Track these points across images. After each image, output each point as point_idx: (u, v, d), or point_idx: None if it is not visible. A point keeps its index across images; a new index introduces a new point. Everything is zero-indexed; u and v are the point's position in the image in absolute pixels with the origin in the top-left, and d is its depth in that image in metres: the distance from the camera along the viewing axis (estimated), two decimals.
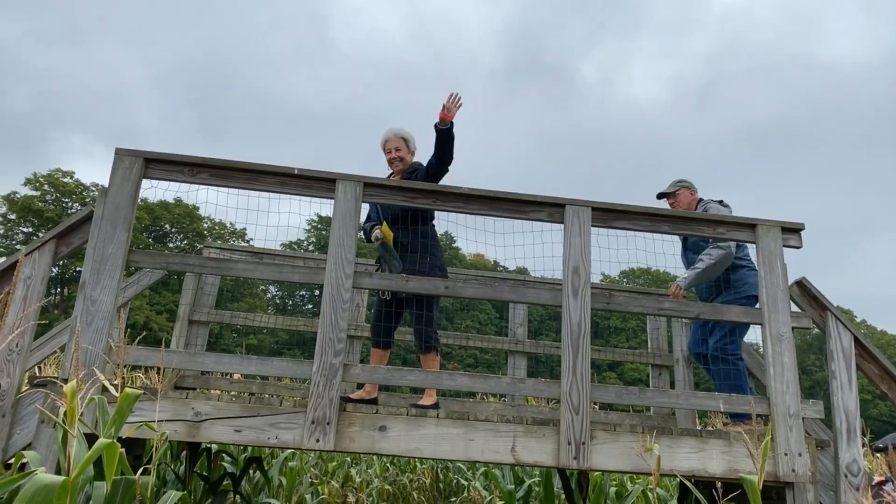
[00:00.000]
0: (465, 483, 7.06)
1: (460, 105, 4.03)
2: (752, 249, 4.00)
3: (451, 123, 4.04)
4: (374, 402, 4.00)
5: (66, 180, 42.39)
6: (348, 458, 7.37)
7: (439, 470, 7.30)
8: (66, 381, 3.09)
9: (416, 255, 4.11)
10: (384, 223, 4.19)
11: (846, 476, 3.53)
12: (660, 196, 4.86)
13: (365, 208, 4.47)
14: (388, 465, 7.48)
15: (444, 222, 4.63)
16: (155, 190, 4.30)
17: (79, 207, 42.04)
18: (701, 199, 4.79)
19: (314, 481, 6.81)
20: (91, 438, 2.50)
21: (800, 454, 3.43)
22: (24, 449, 3.10)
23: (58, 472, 2.84)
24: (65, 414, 2.33)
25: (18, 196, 40.79)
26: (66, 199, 42.52)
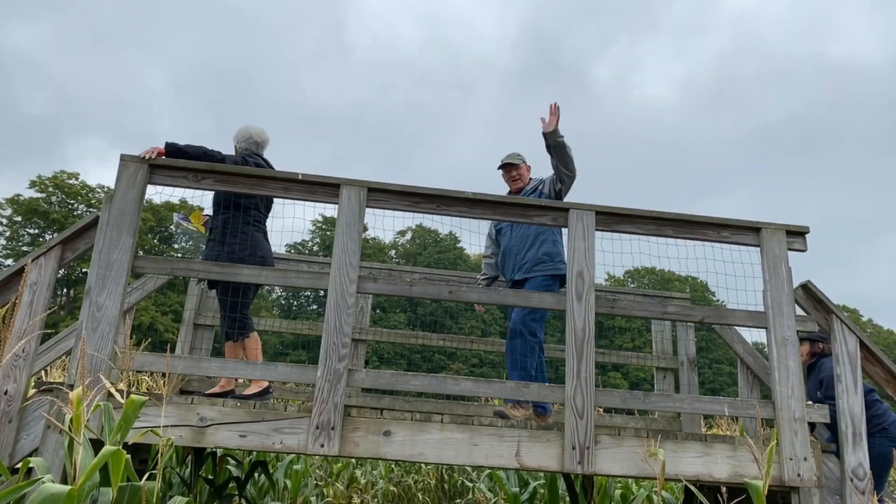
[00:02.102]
0: (470, 485, 7.07)
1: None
2: (753, 252, 3.97)
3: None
4: (226, 395, 3.96)
5: (71, 182, 42.53)
6: (353, 460, 7.39)
7: (444, 471, 7.30)
8: (71, 387, 3.11)
9: (212, 243, 4.15)
10: (195, 210, 4.26)
11: (851, 480, 3.52)
12: (502, 166, 4.69)
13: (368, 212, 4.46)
14: (393, 466, 7.49)
15: (449, 225, 4.62)
16: (160, 194, 4.33)
17: (84, 209, 42.19)
18: (532, 178, 4.71)
19: (319, 483, 6.83)
20: (97, 444, 2.52)
21: (805, 458, 3.42)
22: (30, 454, 3.12)
23: (64, 478, 2.86)
24: (71, 421, 2.35)
25: (24, 198, 40.96)
26: (72, 201, 42.66)
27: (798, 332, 3.69)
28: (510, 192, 4.70)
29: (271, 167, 4.31)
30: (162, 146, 3.76)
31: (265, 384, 4.00)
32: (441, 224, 4.45)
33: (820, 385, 4.48)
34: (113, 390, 2.54)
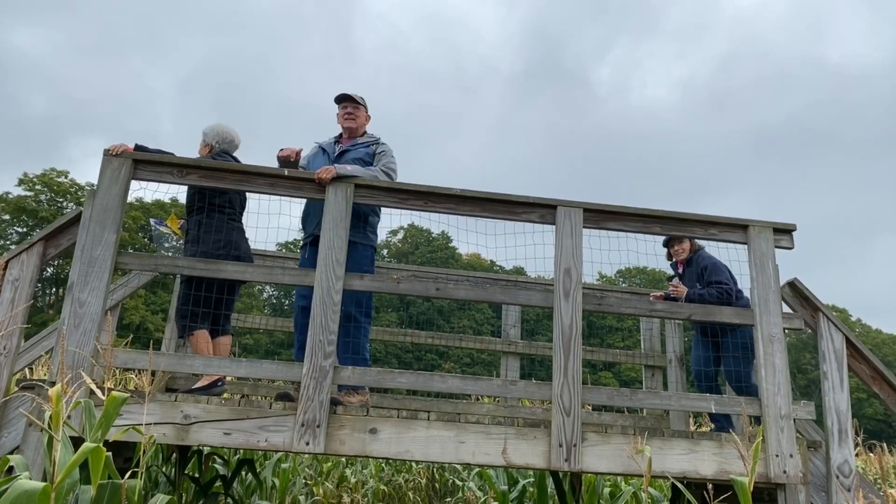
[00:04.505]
0: (460, 483, 7.06)
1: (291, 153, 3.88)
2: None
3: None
4: (210, 387, 3.84)
5: (60, 180, 42.20)
6: (343, 459, 7.36)
7: (435, 470, 7.29)
8: (53, 384, 3.07)
9: (189, 244, 4.06)
10: (172, 214, 4.17)
11: (837, 477, 3.53)
12: (342, 98, 4.33)
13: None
14: (383, 465, 7.47)
15: (440, 223, 4.58)
16: (145, 191, 4.27)
17: (74, 207, 41.87)
18: (368, 132, 4.39)
19: (308, 482, 6.79)
20: (78, 442, 2.48)
21: (791, 455, 3.43)
22: (11, 452, 3.09)
23: (45, 477, 2.83)
24: (50, 418, 2.32)
25: (12, 196, 40.60)
26: (61, 199, 42.34)
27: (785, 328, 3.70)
28: (340, 134, 4.33)
29: None
30: (150, 148, 3.74)
31: (215, 377, 3.90)
32: (434, 223, 4.40)
33: (702, 274, 4.74)
34: (94, 387, 2.50)
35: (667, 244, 5.07)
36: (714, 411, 3.56)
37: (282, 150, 3.54)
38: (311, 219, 4.13)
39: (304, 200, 4.11)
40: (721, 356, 4.68)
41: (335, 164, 3.83)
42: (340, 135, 4.35)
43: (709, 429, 5.03)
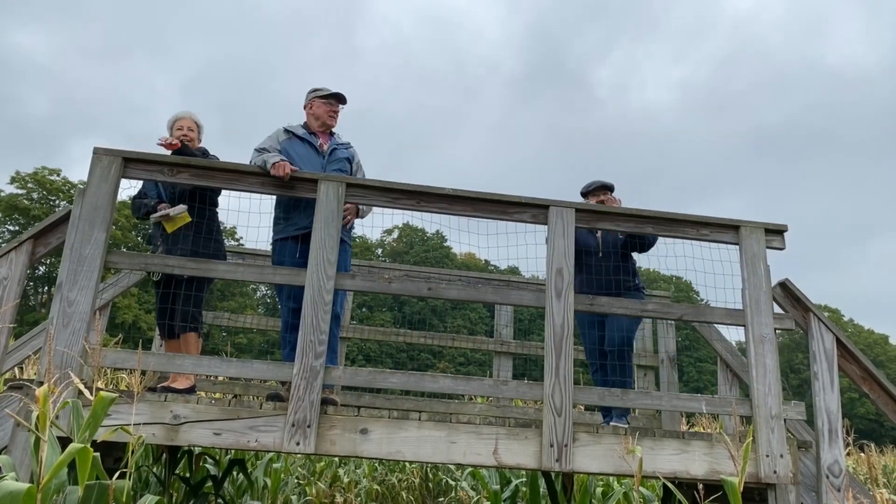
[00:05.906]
0: (453, 483, 7.06)
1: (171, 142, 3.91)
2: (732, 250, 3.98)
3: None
4: (191, 390, 3.86)
5: (53, 178, 41.95)
6: (336, 459, 7.35)
7: (428, 470, 7.28)
8: (41, 383, 3.04)
9: (189, 236, 3.97)
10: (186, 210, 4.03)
11: (827, 477, 3.54)
12: (336, 96, 4.34)
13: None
14: (376, 465, 7.46)
15: (434, 223, 4.57)
16: (136, 189, 4.24)
17: (67, 205, 41.67)
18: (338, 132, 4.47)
19: (301, 482, 6.78)
20: (66, 443, 2.46)
21: (781, 455, 3.44)
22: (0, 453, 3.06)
23: (32, 478, 2.80)
24: (37, 418, 2.30)
25: (4, 194, 40.34)
26: (54, 198, 42.10)
27: (776, 328, 3.70)
28: (306, 123, 4.33)
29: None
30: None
31: (191, 382, 3.89)
32: (428, 223, 4.39)
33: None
34: (82, 387, 2.49)
35: (586, 195, 4.81)
36: (705, 411, 3.56)
37: (275, 165, 3.56)
38: (299, 211, 4.01)
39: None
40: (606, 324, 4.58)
41: None
42: (306, 124, 4.32)
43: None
